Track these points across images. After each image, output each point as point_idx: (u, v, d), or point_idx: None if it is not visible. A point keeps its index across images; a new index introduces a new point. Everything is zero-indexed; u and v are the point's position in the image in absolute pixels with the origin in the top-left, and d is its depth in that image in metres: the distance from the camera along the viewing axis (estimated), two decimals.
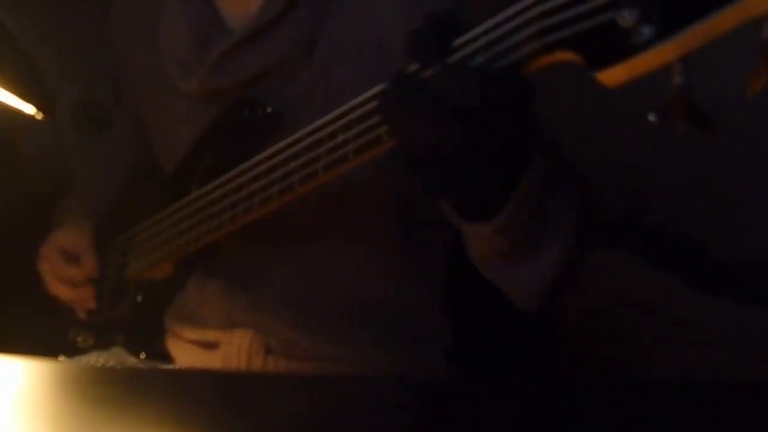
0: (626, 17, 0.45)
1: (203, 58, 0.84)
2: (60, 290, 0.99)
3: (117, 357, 0.98)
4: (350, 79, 0.79)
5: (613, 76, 0.46)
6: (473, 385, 0.55)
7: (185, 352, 0.94)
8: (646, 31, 0.44)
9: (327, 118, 0.67)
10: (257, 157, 0.75)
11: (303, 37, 0.81)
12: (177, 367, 0.93)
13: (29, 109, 1.08)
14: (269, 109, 0.81)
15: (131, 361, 0.97)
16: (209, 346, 0.92)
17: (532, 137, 0.58)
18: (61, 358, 0.99)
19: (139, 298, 0.98)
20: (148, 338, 0.98)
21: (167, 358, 0.96)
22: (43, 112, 1.10)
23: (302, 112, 0.78)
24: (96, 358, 0.99)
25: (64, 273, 0.98)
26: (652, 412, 0.46)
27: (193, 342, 0.93)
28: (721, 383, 0.51)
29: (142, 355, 0.97)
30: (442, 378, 0.81)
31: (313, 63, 0.81)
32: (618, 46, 0.45)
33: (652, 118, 0.46)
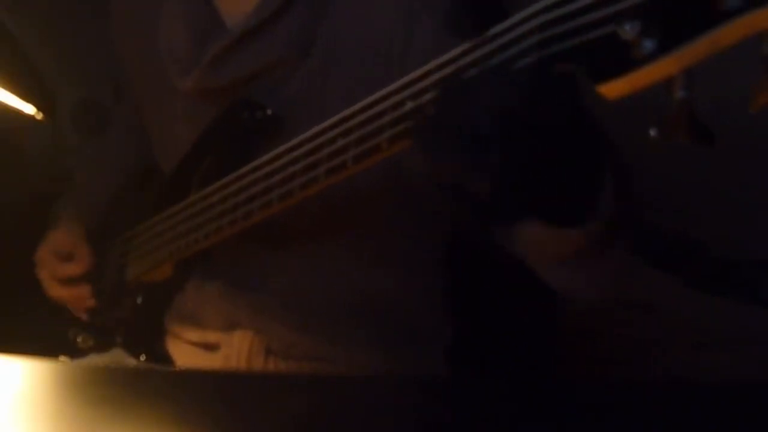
0: (628, 30, 0.44)
1: (200, 57, 0.84)
2: (58, 291, 0.99)
3: (117, 358, 0.98)
4: (349, 79, 0.79)
5: (614, 88, 0.46)
6: (473, 385, 0.55)
7: (185, 354, 0.94)
8: (648, 44, 0.44)
9: (327, 122, 0.67)
10: (257, 161, 0.75)
11: (300, 37, 0.81)
12: (176, 367, 0.93)
13: (29, 109, 1.08)
14: (269, 111, 0.81)
15: (131, 362, 0.97)
16: (209, 347, 0.92)
17: (593, 137, 0.54)
18: (62, 358, 0.99)
19: (139, 300, 0.98)
20: (148, 340, 0.98)
21: (167, 359, 0.96)
22: (43, 112, 1.10)
23: (300, 112, 0.78)
24: (96, 360, 0.99)
25: (60, 272, 0.98)
26: (652, 412, 0.46)
27: (194, 343, 0.93)
28: (721, 383, 0.51)
29: (143, 357, 0.97)
30: (442, 378, 0.81)
31: (310, 63, 0.81)
32: (619, 59, 0.45)
33: (653, 132, 0.46)
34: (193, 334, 0.93)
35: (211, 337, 0.91)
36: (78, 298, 1.00)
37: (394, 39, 0.76)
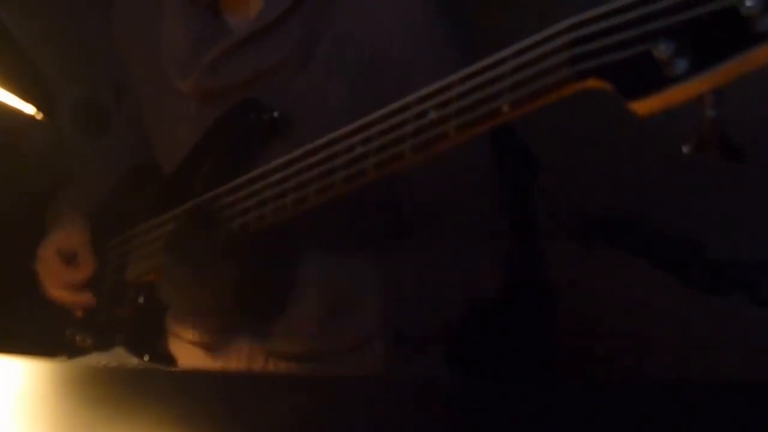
0: (663, 50, 0.45)
1: (201, 59, 0.84)
2: (59, 294, 0.99)
3: (118, 357, 0.98)
4: (349, 86, 0.79)
5: (646, 106, 0.47)
6: (473, 385, 0.55)
7: (187, 353, 0.94)
8: (681, 64, 0.45)
9: (345, 129, 0.67)
10: (270, 165, 0.75)
11: (301, 43, 0.81)
12: (177, 367, 0.93)
13: (29, 109, 1.08)
14: (275, 114, 0.81)
15: (132, 361, 0.97)
16: (210, 348, 0.92)
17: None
18: (61, 358, 0.99)
19: (141, 300, 0.98)
20: (150, 339, 0.98)
21: (170, 359, 0.96)
22: (43, 112, 1.10)
23: (301, 115, 0.78)
24: (96, 359, 0.99)
25: (62, 276, 0.98)
26: (652, 412, 0.46)
27: (194, 343, 0.93)
28: (721, 383, 0.51)
29: (146, 357, 0.97)
30: (442, 378, 0.81)
31: (311, 69, 0.81)
32: (652, 77, 0.46)
33: (686, 149, 0.47)
34: (194, 335, 0.93)
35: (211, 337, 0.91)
36: (75, 303, 0.99)
37: (396, 44, 0.77)
